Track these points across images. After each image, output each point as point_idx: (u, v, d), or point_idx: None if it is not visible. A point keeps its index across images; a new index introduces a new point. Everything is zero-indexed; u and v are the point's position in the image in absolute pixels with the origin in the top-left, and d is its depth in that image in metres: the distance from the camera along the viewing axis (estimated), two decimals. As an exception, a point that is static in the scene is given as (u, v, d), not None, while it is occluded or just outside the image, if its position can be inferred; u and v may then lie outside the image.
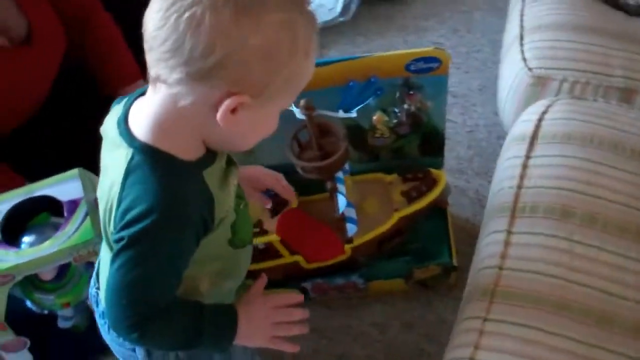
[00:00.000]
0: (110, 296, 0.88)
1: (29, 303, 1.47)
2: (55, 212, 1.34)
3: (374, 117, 1.42)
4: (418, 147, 1.51)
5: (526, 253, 1.00)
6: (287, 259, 1.49)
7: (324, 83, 1.36)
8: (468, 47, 1.99)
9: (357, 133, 1.47)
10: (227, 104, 0.81)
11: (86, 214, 1.30)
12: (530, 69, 1.27)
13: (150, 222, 0.82)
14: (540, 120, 1.13)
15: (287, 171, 1.41)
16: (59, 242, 1.28)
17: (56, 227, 1.30)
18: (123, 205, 0.84)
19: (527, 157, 1.10)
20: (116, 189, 0.85)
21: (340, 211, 1.41)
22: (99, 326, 1.09)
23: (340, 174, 1.43)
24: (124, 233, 0.84)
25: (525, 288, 0.96)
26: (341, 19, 2.01)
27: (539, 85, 1.24)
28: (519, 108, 1.24)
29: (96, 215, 1.29)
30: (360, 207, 1.50)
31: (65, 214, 1.31)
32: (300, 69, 0.85)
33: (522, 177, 1.08)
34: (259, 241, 1.44)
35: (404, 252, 1.53)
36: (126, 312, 0.88)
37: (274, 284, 1.53)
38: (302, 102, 1.31)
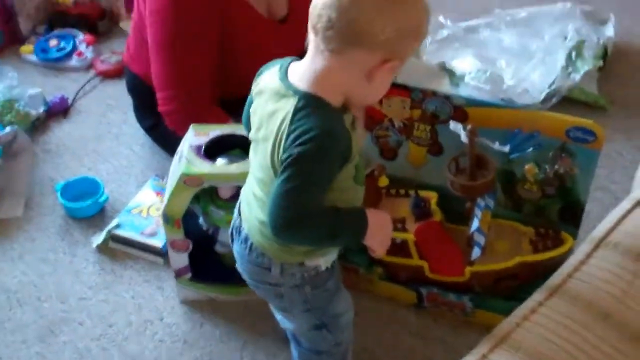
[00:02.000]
0: (275, 201, 1.17)
1: (201, 220, 1.78)
2: (245, 151, 1.61)
3: (526, 167, 1.63)
4: (558, 211, 1.70)
5: (594, 272, 1.19)
6: (415, 261, 1.73)
7: (494, 123, 1.62)
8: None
9: (509, 179, 1.69)
10: (386, 66, 1.15)
11: None
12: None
13: (314, 145, 1.14)
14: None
15: (444, 193, 1.68)
16: (243, 167, 1.57)
17: (244, 158, 1.60)
18: (293, 134, 1.16)
19: (629, 211, 1.29)
20: (286, 123, 1.17)
21: (471, 231, 1.65)
22: (238, 252, 1.39)
23: (481, 204, 1.67)
24: (294, 151, 1.15)
25: (582, 294, 1.15)
26: (539, 106, 2.25)
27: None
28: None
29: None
30: (492, 245, 1.72)
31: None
32: None
33: (620, 220, 1.27)
34: (398, 236, 1.70)
35: (517, 298, 1.71)
36: (286, 212, 1.17)
37: (397, 281, 1.79)
38: (469, 127, 1.58)
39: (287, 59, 1.26)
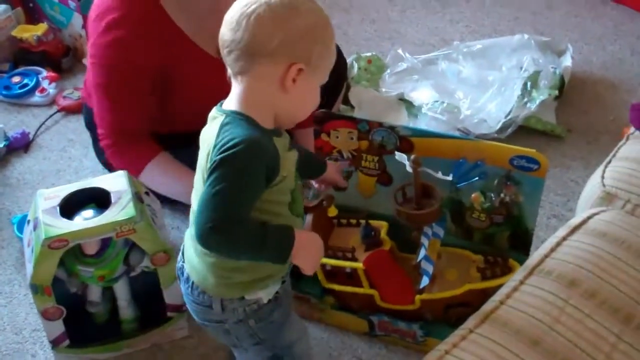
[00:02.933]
0: (200, 206, 1.18)
1: (67, 283, 1.72)
2: (99, 204, 1.66)
3: (472, 195, 1.66)
4: (508, 239, 1.72)
5: (527, 299, 1.20)
6: (365, 290, 1.74)
7: (439, 153, 1.64)
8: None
9: (458, 208, 1.71)
10: (291, 70, 1.19)
11: (129, 201, 1.62)
12: (604, 185, 1.47)
13: (238, 150, 1.17)
14: (589, 217, 1.34)
15: (394, 223, 1.69)
16: (106, 219, 1.59)
17: (101, 211, 1.61)
18: (218, 144, 1.20)
19: (564, 238, 1.31)
20: (213, 139, 1.22)
21: (418, 260, 1.66)
22: (183, 292, 1.39)
23: (429, 232, 1.68)
24: (218, 157, 1.18)
25: (513, 321, 1.16)
26: (495, 135, 2.28)
27: (606, 199, 1.44)
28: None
29: (137, 202, 1.63)
30: (442, 273, 1.73)
31: (113, 200, 1.63)
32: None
33: (553, 250, 1.28)
34: (348, 265, 1.71)
35: (467, 324, 1.72)
36: (211, 216, 1.17)
37: (348, 310, 1.80)
38: (412, 156, 1.60)
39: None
